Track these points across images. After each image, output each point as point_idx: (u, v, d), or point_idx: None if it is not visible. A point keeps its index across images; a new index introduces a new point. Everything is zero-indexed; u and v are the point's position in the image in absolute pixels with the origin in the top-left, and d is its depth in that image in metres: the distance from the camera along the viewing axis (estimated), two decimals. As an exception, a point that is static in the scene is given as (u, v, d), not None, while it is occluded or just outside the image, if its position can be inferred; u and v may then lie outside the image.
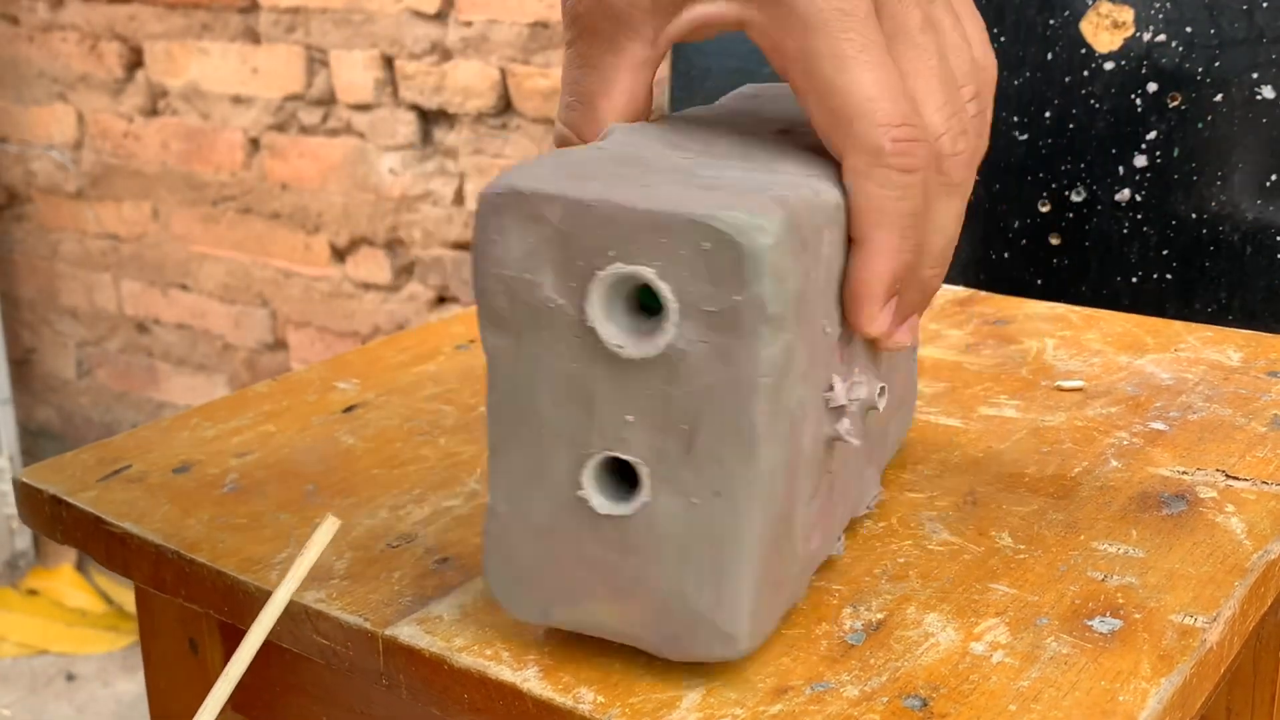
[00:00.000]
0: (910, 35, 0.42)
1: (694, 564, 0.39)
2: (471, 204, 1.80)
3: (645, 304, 0.38)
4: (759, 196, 0.37)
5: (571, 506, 0.40)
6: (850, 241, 0.41)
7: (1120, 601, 0.44)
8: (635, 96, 0.44)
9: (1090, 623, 0.43)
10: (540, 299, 0.38)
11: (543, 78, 1.68)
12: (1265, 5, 1.02)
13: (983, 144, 0.44)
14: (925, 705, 0.40)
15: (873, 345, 0.45)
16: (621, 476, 0.40)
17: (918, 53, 0.42)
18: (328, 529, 0.45)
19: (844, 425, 0.42)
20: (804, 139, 0.44)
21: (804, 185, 0.39)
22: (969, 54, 0.44)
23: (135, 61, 2.11)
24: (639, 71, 0.43)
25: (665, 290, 0.37)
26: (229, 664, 0.42)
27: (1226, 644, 0.44)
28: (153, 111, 2.12)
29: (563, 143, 0.44)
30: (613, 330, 0.38)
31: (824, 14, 0.39)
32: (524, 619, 0.43)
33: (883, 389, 0.44)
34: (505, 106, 1.73)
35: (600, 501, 0.40)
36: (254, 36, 1.94)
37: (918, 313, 0.44)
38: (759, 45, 0.41)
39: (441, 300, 1.88)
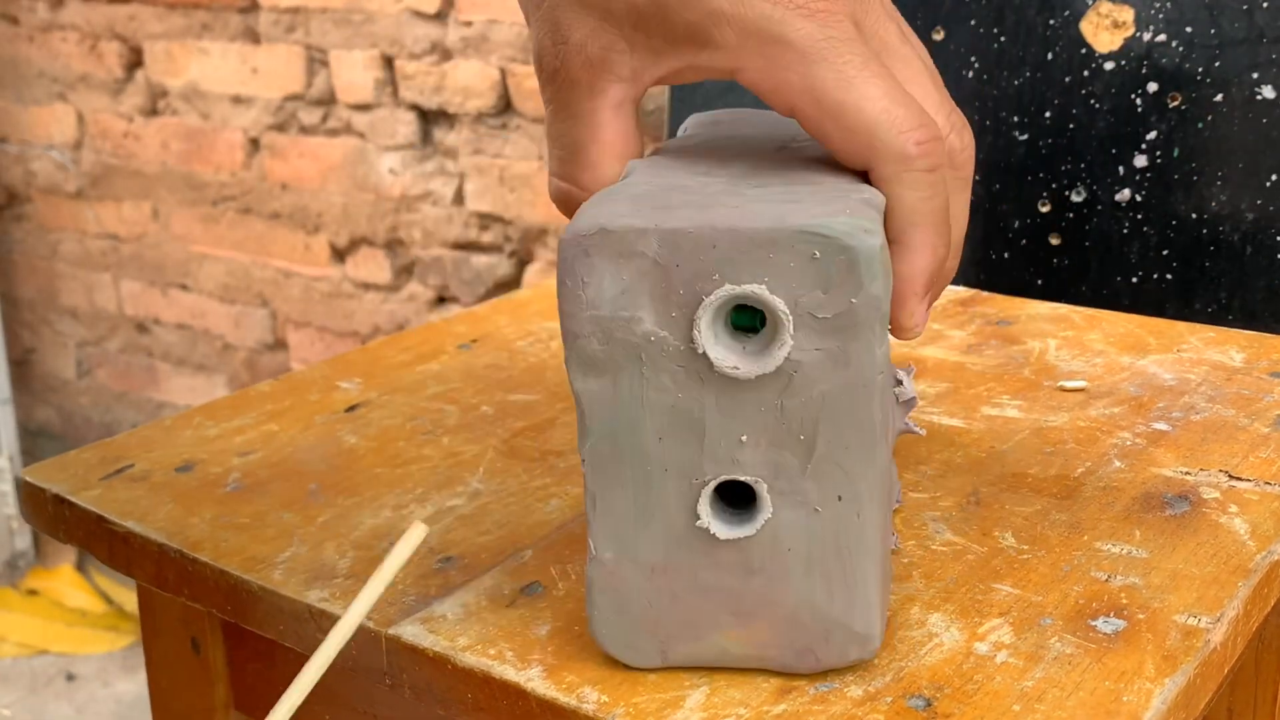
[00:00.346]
0: (893, 48, 0.43)
1: (821, 572, 0.40)
2: (471, 204, 1.80)
3: (736, 324, 0.39)
4: (845, 202, 0.38)
5: (686, 539, 0.40)
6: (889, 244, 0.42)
7: (1124, 602, 0.44)
8: (625, 136, 0.44)
9: (1094, 623, 0.43)
10: (640, 334, 0.39)
11: (543, 78, 1.68)
12: (1265, 5, 1.02)
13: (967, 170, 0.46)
14: (929, 705, 0.40)
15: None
16: (730, 501, 0.41)
17: (904, 62, 0.43)
18: (415, 536, 0.43)
19: (910, 418, 0.43)
20: (804, 152, 0.45)
21: (853, 191, 0.40)
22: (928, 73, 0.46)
23: (135, 61, 2.11)
24: (622, 111, 0.44)
25: (778, 304, 0.37)
26: (299, 676, 0.40)
27: (1230, 644, 0.44)
28: (153, 111, 2.12)
29: (561, 197, 0.45)
30: (723, 353, 0.38)
31: (820, 43, 0.40)
32: (642, 665, 0.42)
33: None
34: (505, 106, 1.73)
35: (721, 528, 0.40)
36: (254, 36, 1.94)
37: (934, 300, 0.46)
38: (756, 89, 0.42)
39: (441, 300, 1.88)
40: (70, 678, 1.90)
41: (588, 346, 0.39)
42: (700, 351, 0.38)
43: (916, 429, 0.48)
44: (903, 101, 0.41)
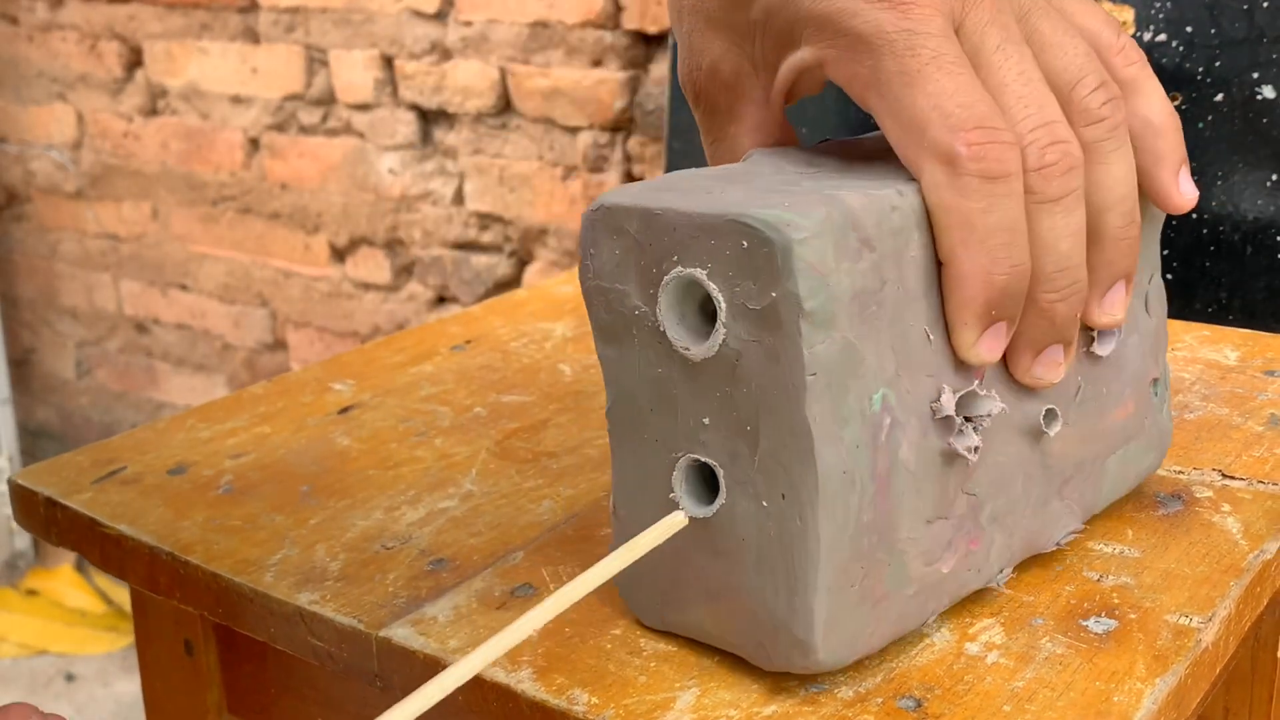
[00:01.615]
0: (986, 54, 0.40)
1: (769, 569, 0.39)
2: (470, 204, 1.80)
3: (714, 308, 0.39)
4: (807, 196, 0.38)
5: (669, 510, 0.41)
6: (938, 263, 0.40)
7: (1115, 602, 0.44)
8: None
9: (1085, 623, 0.43)
10: (629, 307, 0.40)
11: (542, 77, 1.67)
12: (1265, 5, 1.02)
13: (1113, 142, 0.41)
14: (919, 706, 0.40)
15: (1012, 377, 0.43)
16: (706, 479, 0.41)
17: (990, 70, 0.40)
18: (672, 522, 0.41)
19: (961, 439, 0.40)
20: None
21: (890, 189, 0.39)
22: (1077, 51, 0.42)
23: (135, 61, 2.11)
24: (760, 132, 0.45)
25: (714, 290, 0.38)
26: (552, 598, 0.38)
27: (1222, 644, 0.44)
28: (152, 111, 2.12)
29: None
30: (679, 333, 0.39)
31: (889, 35, 0.39)
32: (647, 623, 0.43)
33: (1051, 411, 0.43)
34: (505, 106, 1.73)
35: (687, 503, 0.40)
36: (253, 36, 1.94)
37: (1058, 344, 0.41)
38: (839, 82, 0.41)
39: (441, 300, 1.88)
40: (70, 678, 1.90)
41: (599, 314, 0.41)
42: (661, 329, 0.39)
43: (963, 452, 0.41)
44: (966, 101, 0.38)
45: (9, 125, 2.33)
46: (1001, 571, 0.44)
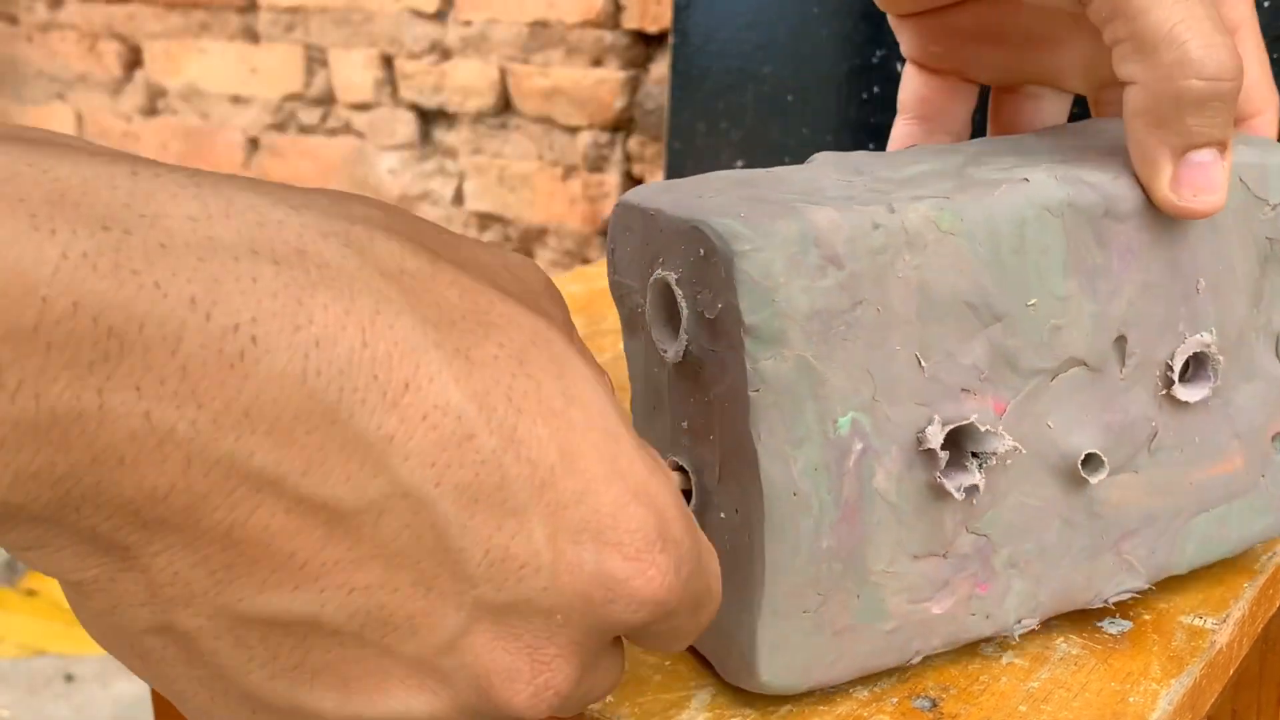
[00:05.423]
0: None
1: (730, 583, 0.39)
2: (470, 204, 1.80)
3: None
4: (776, 206, 0.36)
5: None
6: None
7: (1130, 602, 0.44)
8: None
9: (1100, 624, 0.43)
10: (635, 304, 0.40)
11: (542, 77, 1.67)
12: (1266, 5, 1.02)
13: None
14: (935, 706, 0.40)
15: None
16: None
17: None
18: None
19: (956, 477, 0.38)
20: (1030, 157, 0.41)
21: (881, 205, 0.37)
22: None
23: (134, 61, 2.11)
24: None
25: (679, 295, 0.37)
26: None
27: (1236, 645, 0.44)
28: (152, 111, 2.12)
29: None
30: (661, 334, 0.39)
31: None
32: None
33: (1093, 456, 0.40)
34: (505, 106, 1.73)
35: None
36: (253, 36, 1.94)
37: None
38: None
39: (441, 300, 1.88)
40: (70, 678, 1.90)
41: (621, 309, 0.41)
42: (647, 329, 0.40)
43: (950, 489, 0.38)
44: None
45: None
46: (1020, 621, 0.41)
